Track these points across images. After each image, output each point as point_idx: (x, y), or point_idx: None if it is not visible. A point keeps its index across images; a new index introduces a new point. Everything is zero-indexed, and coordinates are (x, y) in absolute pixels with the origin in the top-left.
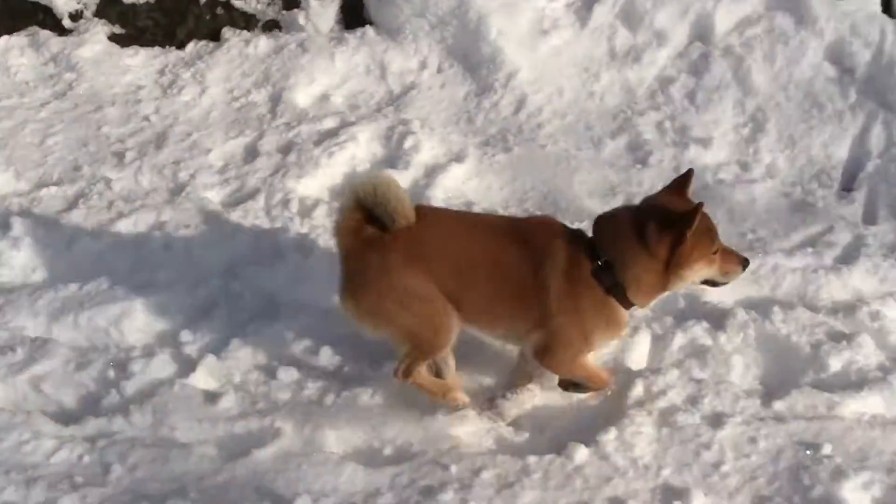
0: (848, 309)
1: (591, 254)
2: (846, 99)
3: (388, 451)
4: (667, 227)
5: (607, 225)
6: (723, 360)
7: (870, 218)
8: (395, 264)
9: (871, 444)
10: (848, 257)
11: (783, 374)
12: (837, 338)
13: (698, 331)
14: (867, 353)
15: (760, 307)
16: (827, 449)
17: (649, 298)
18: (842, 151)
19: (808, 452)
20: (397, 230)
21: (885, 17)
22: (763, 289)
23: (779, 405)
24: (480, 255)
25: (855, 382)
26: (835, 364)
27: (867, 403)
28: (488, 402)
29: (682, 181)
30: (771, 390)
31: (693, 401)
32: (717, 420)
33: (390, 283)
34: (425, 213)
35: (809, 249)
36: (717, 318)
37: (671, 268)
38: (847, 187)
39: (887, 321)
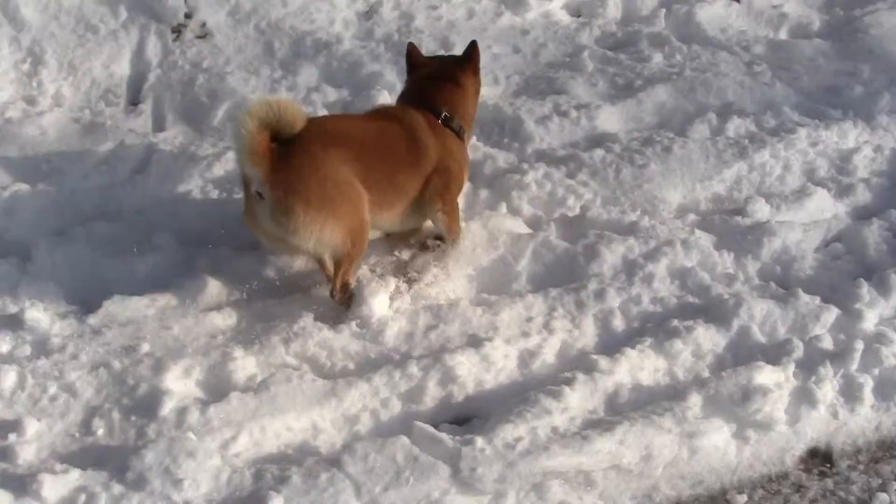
0: (144, 212)
1: (435, 113)
2: (117, 17)
3: None
4: (465, 66)
5: (430, 91)
6: None
7: (159, 125)
8: (320, 153)
9: (187, 332)
10: (141, 166)
11: (98, 288)
12: (141, 242)
13: None
14: (173, 251)
15: (63, 232)
16: (145, 348)
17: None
18: (123, 68)
19: (128, 356)
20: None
21: None
22: (66, 215)
23: (93, 320)
24: (378, 144)
25: (163, 282)
26: (142, 268)
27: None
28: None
29: (412, 51)
30: (90, 307)
31: None
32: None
33: (326, 173)
34: (314, 120)
35: (104, 167)
36: None
37: (476, 94)
38: (134, 101)
39: (184, 219)
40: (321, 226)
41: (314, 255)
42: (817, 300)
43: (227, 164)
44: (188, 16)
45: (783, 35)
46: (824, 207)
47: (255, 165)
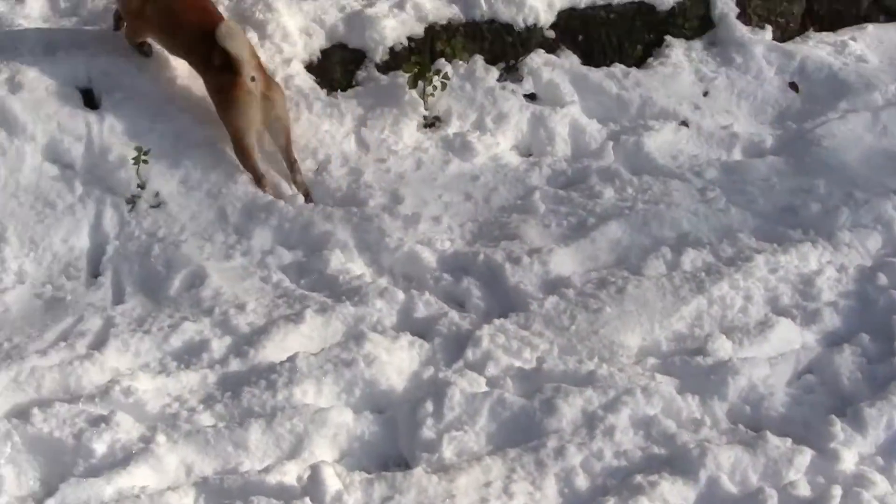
0: (104, 391)
1: None
2: (74, 192)
3: None
4: None
5: None
6: None
7: (118, 298)
8: None
9: None
10: (99, 341)
11: (57, 470)
12: (96, 422)
13: None
14: (127, 429)
15: (23, 413)
16: None
17: None
18: (82, 241)
19: None
20: None
21: (87, 110)
22: (28, 393)
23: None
24: None
25: (122, 460)
26: (99, 448)
27: (136, 476)
28: None
29: None
30: (50, 490)
31: None
32: None
33: None
34: None
35: (63, 343)
36: None
37: None
38: (94, 274)
39: (140, 393)
40: (282, 95)
41: (280, 118)
42: (789, 442)
43: (184, 334)
44: (141, 186)
45: (736, 156)
46: (791, 338)
47: (256, 67)
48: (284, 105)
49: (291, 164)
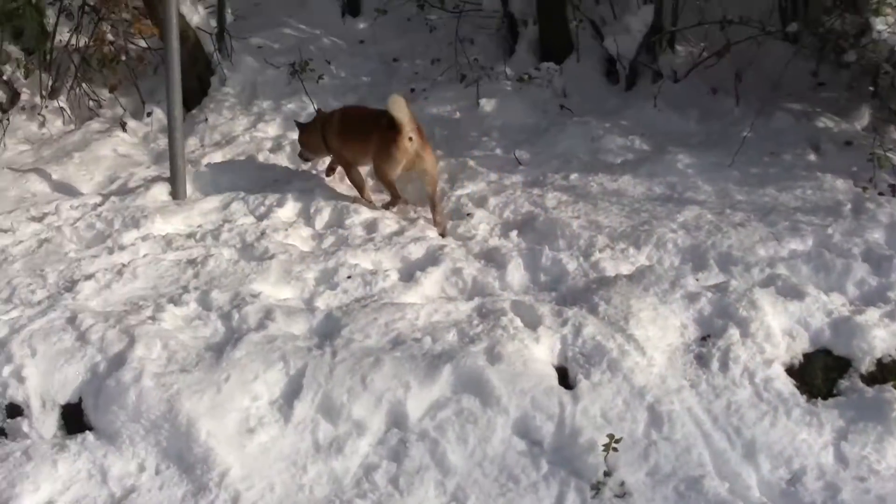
0: None
1: None
2: (539, 470)
3: None
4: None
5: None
6: None
7: None
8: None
9: None
10: None
11: None
12: None
13: None
14: None
15: None
16: None
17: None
18: None
19: None
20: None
21: (561, 389)
22: None
23: None
24: None
25: None
26: None
27: None
28: None
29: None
30: None
31: None
32: None
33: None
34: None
35: None
36: None
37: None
38: None
39: None
40: (432, 157)
41: (428, 173)
42: None
43: None
44: (608, 473)
45: None
46: None
47: (413, 129)
48: (434, 163)
49: (434, 207)
